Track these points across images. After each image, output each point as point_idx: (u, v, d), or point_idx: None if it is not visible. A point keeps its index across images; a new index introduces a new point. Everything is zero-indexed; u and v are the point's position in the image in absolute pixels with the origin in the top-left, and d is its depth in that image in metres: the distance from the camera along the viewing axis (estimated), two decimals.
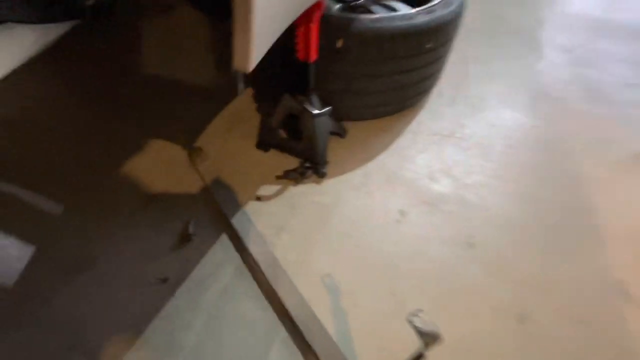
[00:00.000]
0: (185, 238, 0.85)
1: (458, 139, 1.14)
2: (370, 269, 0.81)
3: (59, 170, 1.00)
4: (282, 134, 1.05)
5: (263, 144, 1.07)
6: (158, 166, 1.01)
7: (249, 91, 1.26)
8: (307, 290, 0.76)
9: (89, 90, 1.25)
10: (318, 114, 0.90)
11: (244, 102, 1.22)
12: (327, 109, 0.92)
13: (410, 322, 0.53)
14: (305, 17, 0.77)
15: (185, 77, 1.32)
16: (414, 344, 0.55)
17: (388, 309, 0.75)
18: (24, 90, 1.25)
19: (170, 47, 1.44)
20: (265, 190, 0.97)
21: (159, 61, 1.38)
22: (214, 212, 0.91)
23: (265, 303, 0.76)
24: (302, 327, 0.71)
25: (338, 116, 1.11)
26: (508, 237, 0.89)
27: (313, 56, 0.85)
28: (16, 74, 1.29)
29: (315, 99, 0.94)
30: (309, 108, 0.90)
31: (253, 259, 0.80)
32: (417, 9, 0.96)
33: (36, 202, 0.92)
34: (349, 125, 1.13)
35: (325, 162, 1.02)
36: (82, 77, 1.30)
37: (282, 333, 0.72)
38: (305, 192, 0.97)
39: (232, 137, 1.10)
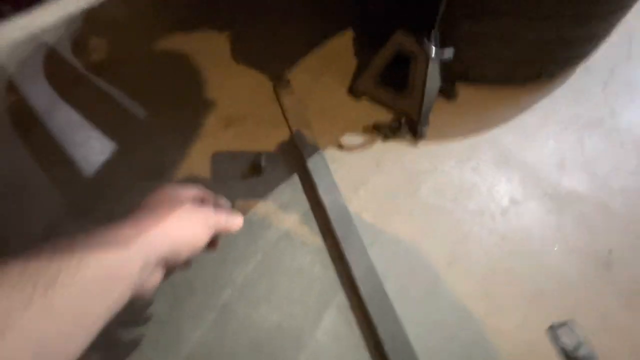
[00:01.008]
0: (255, 170, 0.77)
1: (608, 129, 0.86)
2: (462, 257, 0.65)
3: (150, 75, 1.00)
4: (380, 81, 0.89)
5: (356, 90, 0.93)
6: (243, 91, 0.94)
7: (349, 33, 1.12)
8: (378, 258, 0.63)
9: (188, 6, 1.23)
10: (437, 55, 0.72)
11: (343, 42, 1.08)
12: (449, 50, 0.73)
13: (555, 335, 0.37)
14: None
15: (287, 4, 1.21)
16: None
17: (478, 311, 0.59)
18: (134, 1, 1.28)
19: None
20: (350, 139, 0.84)
21: None
22: (290, 150, 0.81)
23: (327, 260, 0.65)
24: (365, 298, 0.59)
25: (451, 72, 0.91)
26: None
27: None
28: None
29: (435, 39, 0.76)
30: (426, 47, 0.73)
31: (324, 208, 0.69)
32: None
33: (124, 104, 0.93)
34: (461, 87, 0.93)
35: (426, 122, 0.85)
36: None
37: (340, 298, 0.61)
38: (396, 151, 0.81)
39: (324, 76, 0.98)
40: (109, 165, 0.80)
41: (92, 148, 0.83)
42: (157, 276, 0.30)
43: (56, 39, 1.12)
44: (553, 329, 0.36)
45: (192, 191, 0.37)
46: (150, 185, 0.76)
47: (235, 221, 0.39)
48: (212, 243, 0.37)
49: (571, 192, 0.74)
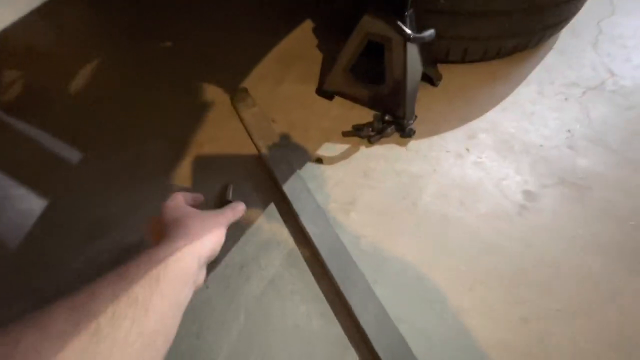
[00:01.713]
0: (223, 206, 0.64)
1: (611, 93, 0.77)
2: (484, 277, 0.54)
3: (84, 110, 0.83)
4: (352, 77, 0.77)
5: (326, 89, 0.80)
6: (197, 112, 0.79)
7: (309, 24, 0.99)
8: (387, 297, 0.52)
9: (122, 23, 1.06)
10: (414, 37, 0.60)
11: (303, 36, 0.95)
12: (429, 32, 0.61)
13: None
14: None
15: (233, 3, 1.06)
16: None
17: (517, 345, 0.48)
18: (57, 22, 1.10)
19: None
20: (329, 150, 0.71)
21: None
22: (260, 175, 0.68)
23: (327, 310, 0.53)
24: (382, 354, 0.47)
25: (432, 55, 0.80)
26: None
27: None
28: (51, 5, 1.14)
29: (410, 20, 0.64)
30: (402, 29, 0.61)
31: (311, 244, 0.57)
32: None
33: (52, 147, 0.76)
34: (444, 69, 0.82)
35: (413, 116, 0.73)
36: (117, 10, 1.11)
37: (351, 356, 0.49)
38: (384, 156, 0.70)
39: (287, 79, 0.85)
40: (40, 230, 0.64)
41: (15, 211, 0.67)
42: (204, 273, 0.40)
43: None
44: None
45: (185, 199, 0.48)
46: (96, 248, 0.63)
47: (238, 210, 0.52)
48: None
49: (589, 173, 0.65)
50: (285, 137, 0.73)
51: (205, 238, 0.38)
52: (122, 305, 0.25)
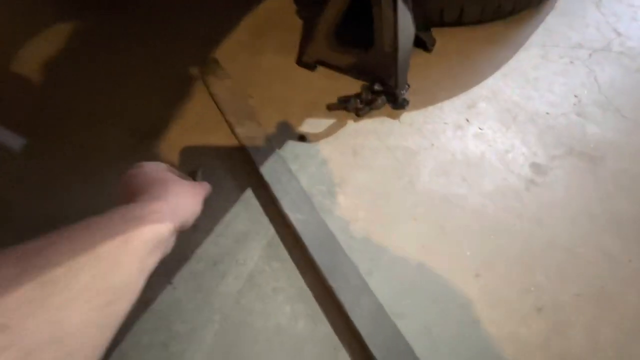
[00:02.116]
0: None
1: (618, 54, 0.71)
2: (493, 262, 0.48)
3: (31, 89, 0.72)
4: (336, 43, 0.68)
5: (307, 59, 0.71)
6: (160, 88, 0.70)
7: None
8: (383, 290, 0.45)
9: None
10: None
11: (280, 2, 0.85)
12: None
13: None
14: None
15: None
16: None
17: (533, 334, 0.43)
18: None
19: None
20: (312, 126, 0.63)
21: None
22: (234, 156, 0.60)
23: (315, 308, 0.46)
24: (376, 352, 0.41)
25: (425, 16, 0.72)
26: None
27: None
28: None
29: None
30: None
31: (295, 232, 0.49)
32: None
33: None
34: (438, 33, 0.74)
35: (405, 85, 0.65)
36: None
37: (343, 357, 0.43)
38: (375, 131, 0.62)
39: (263, 49, 0.75)
40: None
41: None
42: (173, 240, 0.34)
43: None
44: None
45: (170, 171, 0.42)
46: None
47: (209, 188, 0.46)
48: None
49: (601, 141, 0.58)
50: (262, 113, 0.65)
51: (182, 204, 0.36)
52: (81, 258, 0.24)
